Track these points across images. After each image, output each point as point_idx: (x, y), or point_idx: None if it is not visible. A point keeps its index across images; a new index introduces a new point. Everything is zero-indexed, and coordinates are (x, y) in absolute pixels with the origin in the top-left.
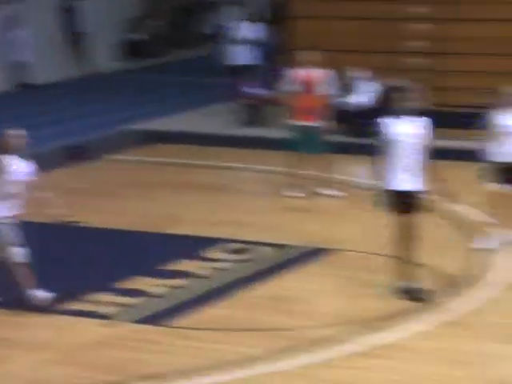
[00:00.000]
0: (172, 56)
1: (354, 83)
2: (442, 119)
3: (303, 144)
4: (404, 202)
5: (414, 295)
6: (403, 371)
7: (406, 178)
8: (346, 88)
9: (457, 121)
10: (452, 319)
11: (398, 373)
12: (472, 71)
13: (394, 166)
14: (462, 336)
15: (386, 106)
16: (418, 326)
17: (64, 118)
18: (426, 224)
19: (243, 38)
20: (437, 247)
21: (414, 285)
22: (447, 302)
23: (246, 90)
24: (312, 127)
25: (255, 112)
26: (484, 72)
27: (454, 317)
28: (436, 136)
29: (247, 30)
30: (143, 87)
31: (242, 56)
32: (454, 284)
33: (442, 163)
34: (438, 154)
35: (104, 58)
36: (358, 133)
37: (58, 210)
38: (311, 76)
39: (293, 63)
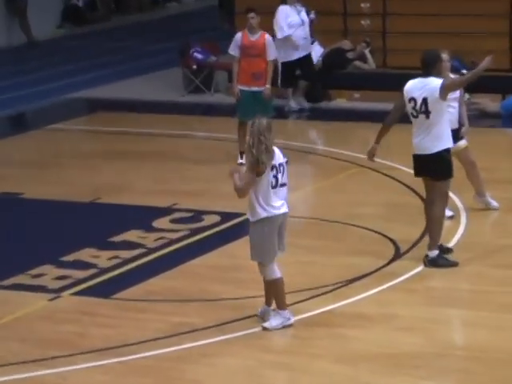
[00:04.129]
0: (116, 21)
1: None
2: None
3: (249, 109)
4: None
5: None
6: (353, 339)
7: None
8: None
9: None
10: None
11: (346, 341)
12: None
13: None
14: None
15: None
16: (366, 292)
17: (4, 87)
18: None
19: None
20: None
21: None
22: (392, 266)
23: (195, 54)
24: (257, 92)
25: (204, 77)
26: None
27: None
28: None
29: None
30: (85, 54)
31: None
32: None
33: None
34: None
35: (45, 24)
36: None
37: None
38: (254, 40)
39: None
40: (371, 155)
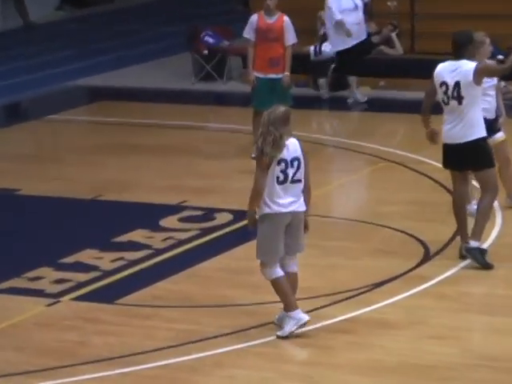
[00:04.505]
0: (119, 3)
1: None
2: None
3: (266, 98)
4: None
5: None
6: (379, 348)
7: None
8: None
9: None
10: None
11: (370, 351)
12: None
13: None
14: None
15: None
16: (393, 297)
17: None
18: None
19: None
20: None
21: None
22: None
23: (206, 38)
24: (275, 79)
25: (215, 64)
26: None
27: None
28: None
29: None
30: (87, 39)
31: None
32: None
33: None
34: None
35: (43, 5)
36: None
37: None
38: (271, 22)
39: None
40: (432, 138)
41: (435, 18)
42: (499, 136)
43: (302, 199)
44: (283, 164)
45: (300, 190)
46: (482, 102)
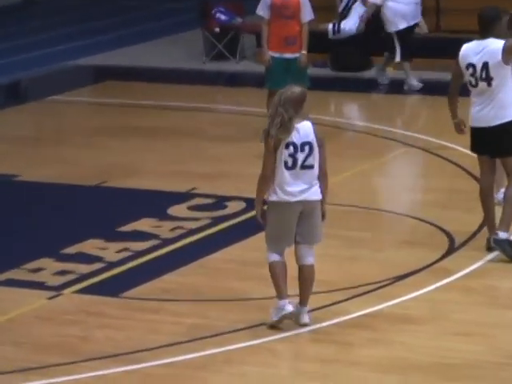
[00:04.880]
0: None
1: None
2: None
3: (281, 78)
4: None
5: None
6: (400, 345)
7: None
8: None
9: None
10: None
11: (391, 348)
12: None
13: None
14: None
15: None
16: (416, 291)
17: None
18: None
19: None
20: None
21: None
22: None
23: (218, 15)
24: (291, 59)
25: (228, 42)
26: None
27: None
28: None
29: None
30: (90, 14)
31: None
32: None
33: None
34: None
35: None
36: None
37: None
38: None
39: None
40: (460, 129)
41: None
42: None
43: (316, 187)
44: (292, 148)
45: (313, 176)
46: None
